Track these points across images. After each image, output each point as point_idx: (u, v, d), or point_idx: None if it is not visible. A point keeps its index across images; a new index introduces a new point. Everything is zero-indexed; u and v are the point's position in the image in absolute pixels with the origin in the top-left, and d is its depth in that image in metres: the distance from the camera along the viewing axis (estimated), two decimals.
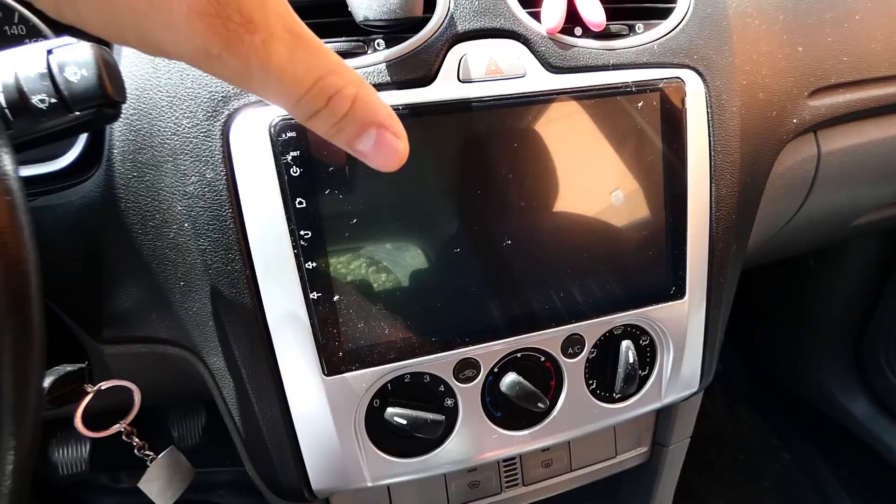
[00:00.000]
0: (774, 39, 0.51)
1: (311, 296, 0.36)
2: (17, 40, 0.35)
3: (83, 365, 0.35)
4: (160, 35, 0.19)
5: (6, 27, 0.35)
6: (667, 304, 0.46)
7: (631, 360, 0.46)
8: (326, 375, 0.37)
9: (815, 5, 0.54)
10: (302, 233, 0.35)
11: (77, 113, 0.28)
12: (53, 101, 0.27)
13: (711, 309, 0.49)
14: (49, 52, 0.27)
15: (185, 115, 0.34)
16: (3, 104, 0.27)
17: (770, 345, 1.24)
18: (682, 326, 0.47)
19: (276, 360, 0.37)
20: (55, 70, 0.27)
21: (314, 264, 0.36)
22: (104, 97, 0.28)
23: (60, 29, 0.35)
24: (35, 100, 0.27)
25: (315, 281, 0.36)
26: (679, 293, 0.46)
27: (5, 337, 0.18)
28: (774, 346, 1.23)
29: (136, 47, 0.20)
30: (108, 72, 0.28)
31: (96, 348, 0.38)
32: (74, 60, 0.27)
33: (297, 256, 0.36)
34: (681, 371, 0.49)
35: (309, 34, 0.21)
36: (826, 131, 0.57)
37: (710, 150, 0.45)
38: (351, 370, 0.38)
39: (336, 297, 0.37)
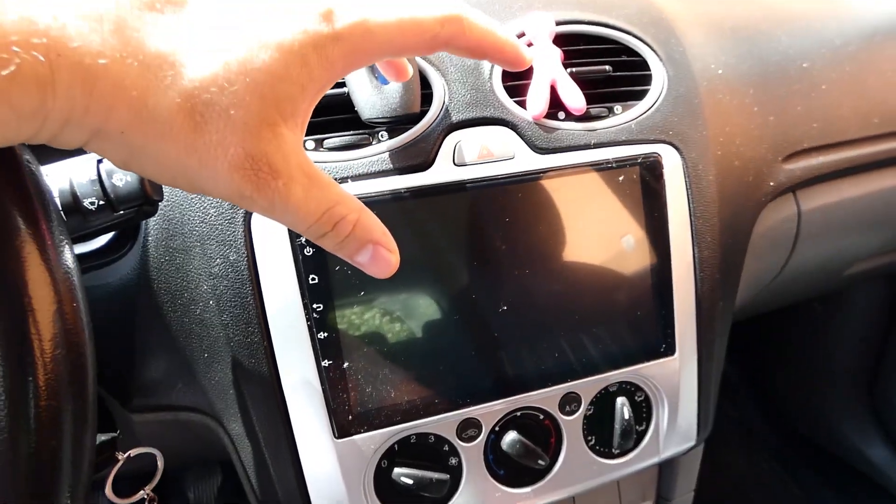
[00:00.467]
0: (745, 111, 0.56)
1: (322, 363, 0.40)
2: (69, 153, 0.40)
3: (115, 434, 0.38)
4: (205, 184, 0.24)
5: None
6: (658, 360, 0.49)
7: (627, 416, 0.48)
8: (337, 438, 0.40)
9: (783, 79, 0.58)
10: (314, 306, 0.39)
11: (121, 212, 0.32)
12: (101, 202, 0.32)
13: (703, 363, 0.51)
14: (99, 161, 0.32)
15: (212, 205, 0.38)
16: (59, 206, 0.31)
17: (786, 392, 1.24)
18: (675, 382, 0.50)
19: (290, 425, 0.40)
20: (104, 176, 0.32)
21: (325, 334, 0.39)
22: (144, 197, 0.32)
23: None
24: (86, 202, 0.32)
25: (326, 349, 0.40)
26: (669, 350, 0.49)
27: (67, 410, 0.22)
28: (790, 394, 1.23)
29: (182, 189, 0.25)
30: None
31: (125, 417, 0.42)
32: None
33: (310, 328, 0.39)
34: (677, 425, 0.51)
35: (321, 174, 0.27)
36: (804, 191, 0.61)
37: (690, 216, 0.49)
38: (360, 432, 0.41)
39: (346, 364, 0.40)
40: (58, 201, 0.31)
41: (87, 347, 0.24)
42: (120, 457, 0.38)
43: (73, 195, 0.32)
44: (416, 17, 0.27)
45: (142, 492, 0.43)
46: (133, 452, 0.38)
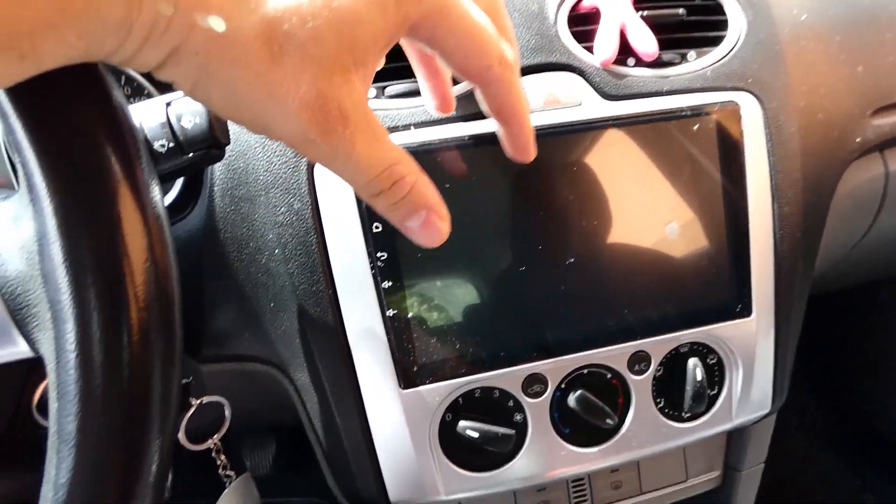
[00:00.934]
0: (832, 60, 0.52)
1: (387, 313, 0.39)
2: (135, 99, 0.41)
3: (188, 380, 0.39)
4: (270, 121, 0.23)
5: (126, 87, 0.41)
6: (733, 321, 0.46)
7: (699, 379, 0.46)
8: (402, 388, 0.40)
9: (874, 26, 0.54)
10: (378, 255, 0.39)
11: (190, 155, 0.32)
12: (171, 145, 0.32)
13: (781, 327, 0.48)
14: (168, 104, 0.32)
15: (276, 153, 0.38)
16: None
17: (845, 380, 1.18)
18: (751, 345, 0.47)
19: (356, 375, 0.40)
20: (173, 119, 0.32)
21: (389, 283, 0.39)
22: (213, 140, 0.32)
23: (161, 87, 0.41)
24: (157, 145, 0.32)
25: (391, 299, 0.39)
26: (745, 311, 0.46)
27: (157, 348, 0.22)
28: (849, 381, 1.17)
29: (243, 125, 0.24)
30: (216, 118, 0.32)
31: (195, 367, 0.43)
32: (189, 110, 0.32)
33: (374, 277, 0.39)
34: (751, 391, 0.48)
35: (383, 131, 0.26)
36: (893, 150, 0.57)
37: (769, 169, 0.46)
38: (425, 383, 0.40)
39: (410, 314, 0.39)
40: None
41: (174, 288, 0.24)
42: (193, 402, 0.38)
43: (144, 139, 0.32)
44: (487, 36, 0.27)
45: (210, 440, 0.44)
46: (205, 399, 0.39)
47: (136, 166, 0.23)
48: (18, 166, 0.22)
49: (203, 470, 0.46)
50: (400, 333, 0.39)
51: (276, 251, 0.39)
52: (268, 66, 0.22)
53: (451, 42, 0.27)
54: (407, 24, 0.25)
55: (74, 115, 0.21)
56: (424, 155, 0.38)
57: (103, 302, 0.21)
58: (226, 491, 0.47)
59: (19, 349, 0.25)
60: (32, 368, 0.40)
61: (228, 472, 0.48)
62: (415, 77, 0.40)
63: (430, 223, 0.28)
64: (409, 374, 0.40)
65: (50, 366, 0.22)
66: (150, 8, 0.20)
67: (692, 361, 0.46)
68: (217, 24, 0.21)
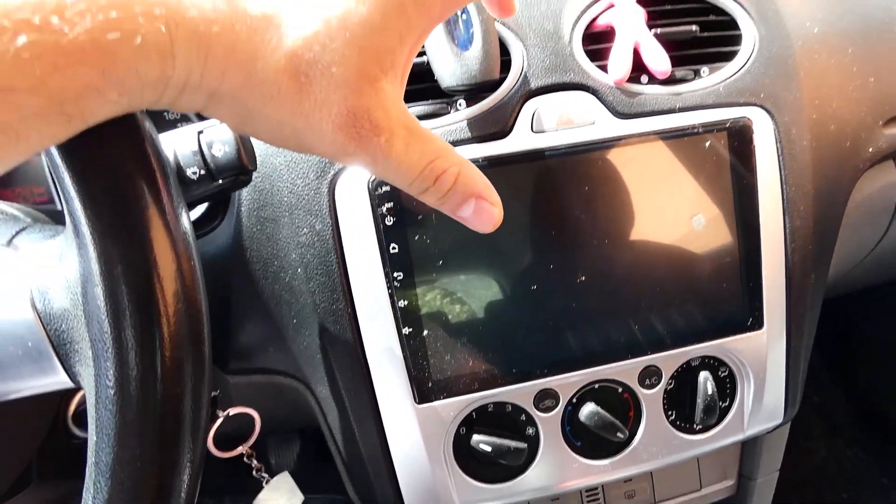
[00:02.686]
0: (844, 72, 0.52)
1: (403, 331, 0.40)
2: (172, 124, 0.43)
3: (216, 393, 0.40)
4: (310, 144, 0.25)
5: (165, 112, 0.43)
6: (744, 335, 0.47)
7: (710, 392, 0.47)
8: (418, 403, 0.41)
9: (886, 37, 0.54)
10: (395, 274, 0.40)
11: (220, 181, 0.34)
12: (203, 172, 0.33)
13: (792, 339, 0.49)
14: (200, 132, 0.33)
15: (300, 176, 0.40)
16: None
17: (871, 378, 1.17)
18: (762, 357, 0.48)
19: (373, 390, 0.41)
20: (204, 147, 0.33)
21: (406, 302, 0.40)
22: (241, 167, 0.33)
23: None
24: (189, 172, 0.33)
25: (406, 317, 0.40)
26: (756, 324, 0.47)
27: (188, 361, 0.24)
28: (876, 380, 1.16)
29: (292, 149, 0.26)
30: (245, 147, 0.34)
31: (223, 379, 0.44)
32: (219, 139, 0.33)
33: (390, 296, 0.40)
34: (763, 402, 0.49)
35: (420, 128, 0.27)
36: None
37: (781, 183, 0.46)
38: (440, 398, 0.41)
39: (425, 332, 0.41)
40: None
41: (203, 305, 0.25)
42: (220, 414, 0.40)
43: (178, 165, 0.33)
44: None
45: (241, 447, 0.45)
46: (232, 411, 0.40)
47: (164, 194, 0.24)
48: (66, 209, 0.23)
49: (228, 471, 0.48)
50: (415, 350, 0.40)
51: (299, 270, 0.41)
52: (298, 98, 0.23)
53: None
54: (434, 12, 0.26)
55: (120, 176, 0.23)
56: None
57: (140, 342, 0.23)
58: (267, 487, 0.49)
59: (60, 379, 0.27)
60: None
61: (263, 474, 0.50)
62: (431, 98, 0.42)
63: (482, 210, 0.29)
64: (423, 389, 0.41)
65: (90, 400, 0.24)
66: (183, 63, 0.21)
67: (703, 375, 0.46)
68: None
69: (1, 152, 0.18)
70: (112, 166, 0.24)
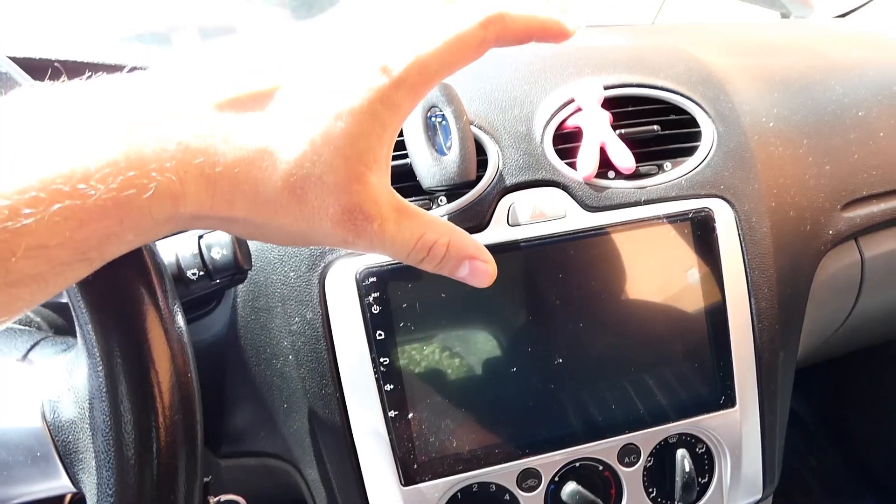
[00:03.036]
0: (800, 162, 0.56)
1: (389, 413, 0.43)
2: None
3: (208, 479, 0.42)
4: (316, 239, 0.29)
5: None
6: (718, 412, 0.49)
7: (687, 469, 0.48)
8: (404, 485, 0.43)
9: (838, 127, 0.59)
10: (381, 360, 0.42)
11: (217, 281, 0.37)
12: (201, 273, 0.36)
13: (766, 416, 0.51)
14: (200, 237, 0.37)
15: (292, 268, 0.43)
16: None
17: (866, 437, 1.17)
18: (737, 434, 0.50)
19: (361, 472, 0.43)
20: (204, 250, 0.36)
21: (391, 386, 0.43)
22: (237, 268, 0.37)
23: None
24: (189, 273, 0.36)
25: (392, 400, 0.43)
26: (729, 402, 0.49)
27: (182, 467, 0.26)
28: (871, 439, 1.16)
29: (301, 246, 0.30)
30: (241, 248, 0.37)
31: (215, 463, 0.46)
32: (217, 242, 0.37)
33: (377, 380, 0.42)
34: (741, 478, 0.51)
35: (409, 207, 0.30)
36: (867, 237, 0.60)
37: (745, 267, 0.49)
38: (425, 480, 0.43)
39: (410, 415, 0.43)
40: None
41: (198, 413, 0.28)
42: (211, 500, 0.41)
43: (179, 267, 0.37)
44: (460, 32, 0.29)
45: None
46: (223, 498, 0.42)
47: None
48: (79, 331, 0.26)
49: None
50: (401, 433, 0.42)
51: (290, 357, 0.43)
52: (299, 207, 0.27)
53: (446, 72, 0.29)
54: (405, 108, 0.29)
55: (130, 308, 0.26)
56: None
57: (139, 454, 0.25)
58: None
59: (62, 484, 0.29)
60: None
61: None
62: (414, 196, 0.45)
63: (476, 269, 0.33)
64: (409, 471, 0.43)
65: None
66: (193, 201, 0.24)
67: (680, 452, 0.48)
68: None
69: (32, 298, 0.21)
70: (117, 286, 0.27)
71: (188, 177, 0.24)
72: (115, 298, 0.26)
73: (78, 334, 0.26)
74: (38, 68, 0.41)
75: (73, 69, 0.43)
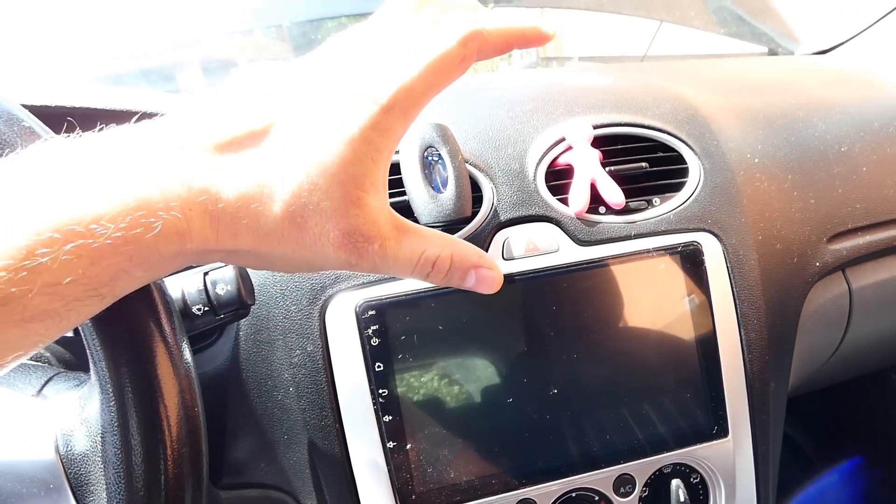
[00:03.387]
0: (785, 196, 0.58)
1: (388, 444, 0.43)
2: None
3: None
4: (320, 264, 0.30)
5: None
6: (711, 443, 0.50)
7: (682, 499, 0.49)
8: None
9: (822, 163, 0.61)
10: (380, 391, 0.43)
11: (221, 315, 0.38)
12: (206, 308, 0.38)
13: (758, 445, 0.52)
14: (206, 273, 0.38)
15: (293, 302, 0.44)
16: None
17: (865, 465, 1.17)
18: (730, 464, 0.50)
19: (360, 503, 0.44)
20: (209, 287, 0.38)
21: (390, 418, 0.44)
22: (241, 303, 0.38)
23: None
24: (194, 308, 0.38)
25: (391, 432, 0.44)
26: (722, 432, 0.50)
27: (187, 499, 0.27)
28: (870, 466, 1.15)
29: (306, 272, 0.32)
30: (245, 284, 0.38)
31: (216, 495, 0.46)
32: (222, 278, 0.38)
33: (376, 411, 0.43)
34: None
35: (409, 225, 0.31)
36: (854, 268, 0.62)
37: (734, 299, 0.51)
38: None
39: (409, 446, 0.44)
40: None
41: (203, 445, 0.29)
42: None
43: (185, 302, 0.38)
44: (440, 54, 0.29)
45: None
46: None
47: (169, 335, 0.29)
48: (93, 367, 0.28)
49: None
50: (399, 464, 0.43)
51: (291, 389, 0.44)
52: (300, 235, 0.28)
53: (433, 92, 0.30)
54: (397, 133, 0.30)
55: (140, 344, 0.28)
56: (418, 301, 0.44)
57: (148, 487, 0.27)
58: None
59: None
60: None
61: None
62: None
63: (483, 277, 0.34)
64: (407, 501, 0.43)
65: None
66: (198, 237, 0.26)
67: (675, 483, 0.49)
68: None
69: (47, 332, 0.23)
70: (128, 323, 0.28)
71: (193, 214, 0.25)
72: (127, 335, 0.28)
73: (91, 370, 0.27)
74: (53, 115, 0.43)
75: (86, 115, 0.45)
